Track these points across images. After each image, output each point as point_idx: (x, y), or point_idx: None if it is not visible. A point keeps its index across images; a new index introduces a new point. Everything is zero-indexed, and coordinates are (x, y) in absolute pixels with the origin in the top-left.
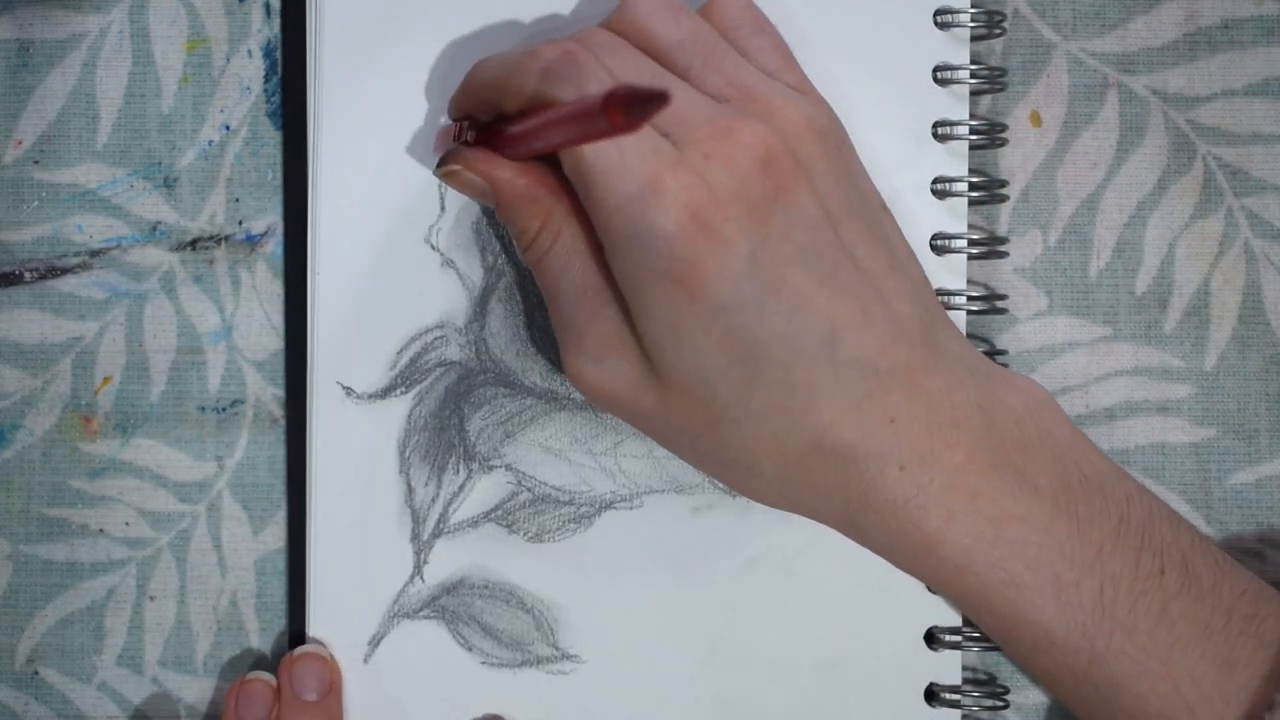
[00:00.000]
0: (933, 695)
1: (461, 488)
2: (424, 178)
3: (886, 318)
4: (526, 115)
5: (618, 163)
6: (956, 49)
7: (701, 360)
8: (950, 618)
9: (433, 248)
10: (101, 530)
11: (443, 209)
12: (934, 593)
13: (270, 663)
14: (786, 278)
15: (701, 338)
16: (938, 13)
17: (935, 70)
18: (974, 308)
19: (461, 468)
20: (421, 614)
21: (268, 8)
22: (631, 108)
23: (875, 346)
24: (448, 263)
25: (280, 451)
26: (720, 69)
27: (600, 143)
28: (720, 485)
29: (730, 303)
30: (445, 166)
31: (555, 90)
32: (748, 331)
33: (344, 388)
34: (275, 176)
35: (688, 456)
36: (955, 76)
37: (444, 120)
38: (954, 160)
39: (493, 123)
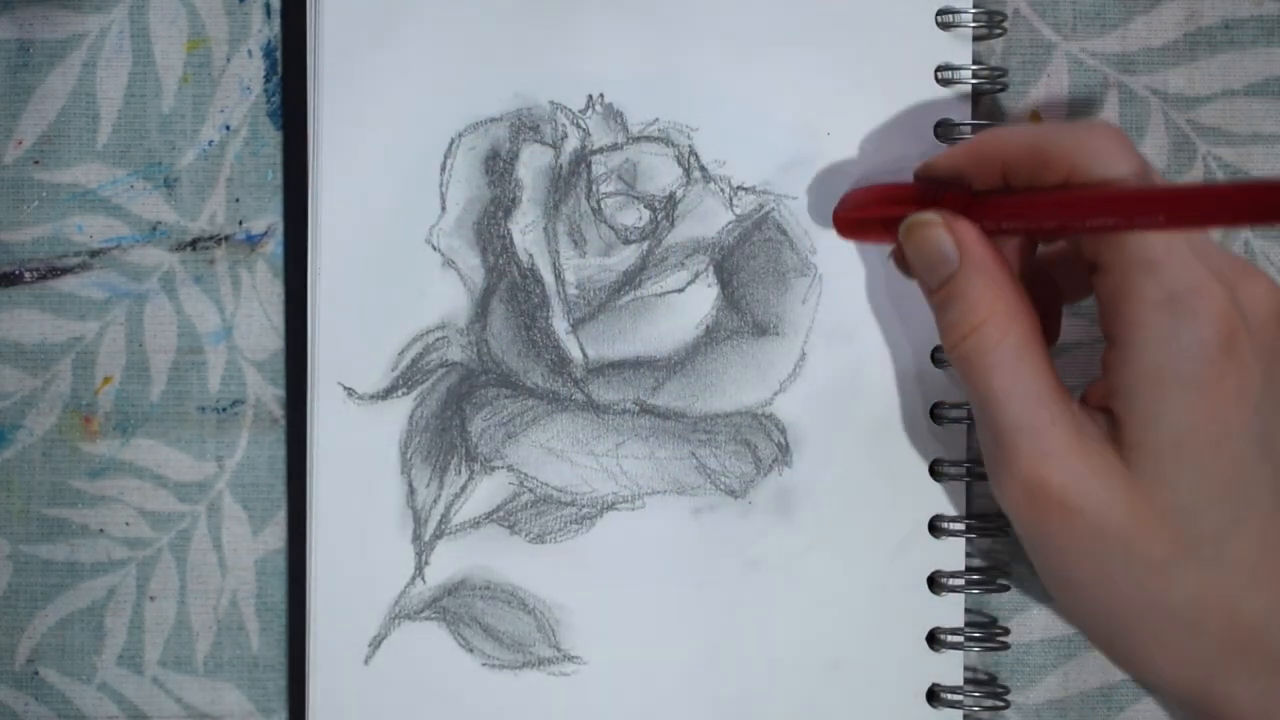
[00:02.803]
0: (934, 696)
1: (463, 489)
2: (424, 177)
3: None
4: (1071, 189)
5: (1162, 257)
6: (958, 49)
7: (1198, 483)
8: (952, 619)
9: (433, 248)
10: (101, 530)
11: (443, 209)
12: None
13: (269, 663)
14: None
15: (1208, 458)
16: (939, 13)
17: (937, 70)
18: None
19: (463, 469)
20: (422, 615)
21: (268, 8)
22: None
23: None
24: (448, 263)
25: (280, 451)
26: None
27: (1149, 235)
28: (721, 486)
29: (1243, 430)
30: (922, 218)
31: (1104, 168)
32: (1248, 468)
33: (345, 388)
34: (275, 176)
35: (1110, 596)
36: (957, 77)
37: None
38: None
39: (984, 193)
